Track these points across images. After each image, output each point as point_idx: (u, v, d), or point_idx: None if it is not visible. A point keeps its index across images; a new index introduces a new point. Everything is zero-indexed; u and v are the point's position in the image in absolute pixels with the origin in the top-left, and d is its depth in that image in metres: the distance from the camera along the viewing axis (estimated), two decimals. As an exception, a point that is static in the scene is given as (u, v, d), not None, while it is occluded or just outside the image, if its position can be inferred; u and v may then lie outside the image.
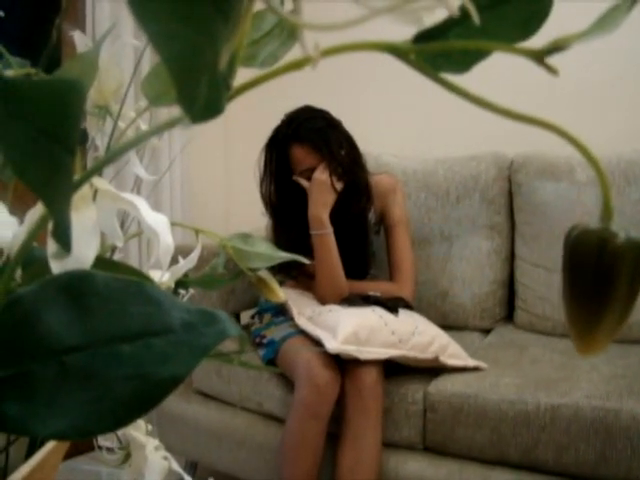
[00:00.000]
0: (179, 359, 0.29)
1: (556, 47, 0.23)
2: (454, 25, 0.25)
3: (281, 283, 2.04)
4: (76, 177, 0.27)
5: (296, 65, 0.23)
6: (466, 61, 0.26)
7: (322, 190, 1.86)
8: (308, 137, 1.87)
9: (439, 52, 0.25)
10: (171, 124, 0.24)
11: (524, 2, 0.28)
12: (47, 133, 0.19)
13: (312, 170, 1.88)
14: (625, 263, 0.25)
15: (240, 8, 0.21)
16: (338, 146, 1.88)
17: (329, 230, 1.87)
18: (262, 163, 1.99)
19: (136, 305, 0.30)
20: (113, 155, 0.26)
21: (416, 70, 0.24)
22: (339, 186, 1.87)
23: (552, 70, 0.23)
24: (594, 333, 0.26)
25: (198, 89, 0.18)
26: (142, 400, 0.29)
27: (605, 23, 0.22)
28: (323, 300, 1.89)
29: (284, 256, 0.66)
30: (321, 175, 1.85)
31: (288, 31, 0.39)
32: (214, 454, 1.95)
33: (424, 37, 0.24)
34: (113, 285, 0.29)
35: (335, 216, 1.89)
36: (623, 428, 1.37)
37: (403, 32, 0.26)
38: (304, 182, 1.90)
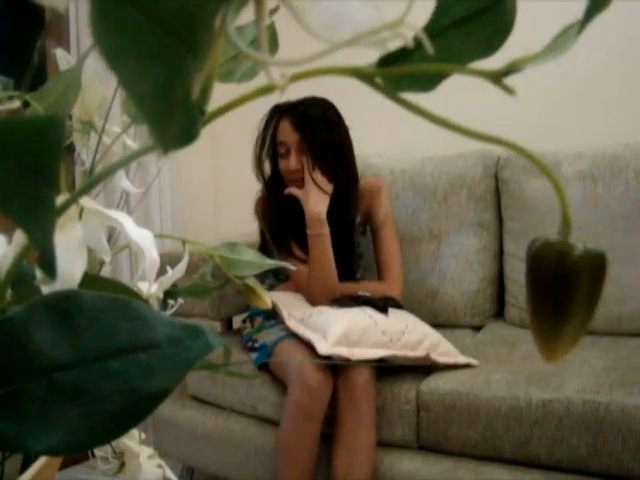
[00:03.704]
0: (166, 373, 0.30)
1: (512, 68, 0.24)
2: (418, 46, 0.26)
3: (272, 287, 2.04)
4: (61, 198, 0.28)
5: (265, 90, 0.24)
6: (431, 80, 0.27)
7: (318, 189, 1.85)
8: (295, 117, 1.88)
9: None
10: (144, 152, 0.25)
11: (487, 20, 0.29)
12: (29, 168, 0.20)
13: (300, 179, 1.88)
14: (583, 274, 0.26)
15: (210, 40, 0.22)
16: (323, 139, 1.86)
17: (327, 230, 1.85)
18: (257, 137, 1.99)
19: (122, 322, 0.31)
20: (94, 181, 0.27)
21: (381, 93, 0.25)
22: (329, 188, 1.86)
23: (509, 91, 0.24)
24: (556, 341, 0.27)
25: (170, 123, 0.19)
26: (132, 413, 0.30)
27: (558, 45, 0.23)
28: (314, 300, 1.87)
29: (271, 263, 0.67)
30: (315, 174, 1.85)
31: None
32: (210, 458, 1.96)
33: (388, 60, 0.25)
34: (99, 303, 0.30)
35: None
36: (614, 421, 1.39)
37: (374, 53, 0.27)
38: (296, 191, 1.89)
